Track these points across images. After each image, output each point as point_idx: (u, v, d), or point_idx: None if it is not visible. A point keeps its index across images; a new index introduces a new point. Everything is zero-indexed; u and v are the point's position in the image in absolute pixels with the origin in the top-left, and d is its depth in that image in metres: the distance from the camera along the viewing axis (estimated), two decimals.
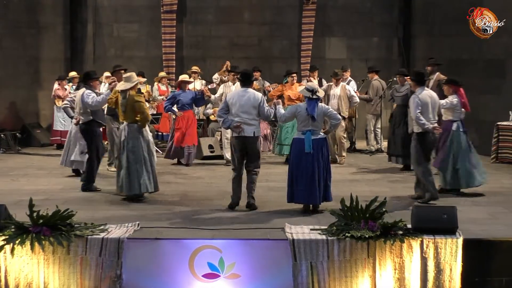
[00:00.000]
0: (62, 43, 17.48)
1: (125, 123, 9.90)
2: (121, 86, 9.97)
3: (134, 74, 10.28)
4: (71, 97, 11.90)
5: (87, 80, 10.73)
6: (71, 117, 11.63)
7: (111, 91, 10.38)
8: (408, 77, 11.81)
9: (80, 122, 10.69)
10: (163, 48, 17.42)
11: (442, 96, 10.56)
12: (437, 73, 12.06)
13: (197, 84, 15.35)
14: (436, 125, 9.70)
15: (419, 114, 9.53)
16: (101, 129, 10.98)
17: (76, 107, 10.83)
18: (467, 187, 10.31)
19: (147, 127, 10.09)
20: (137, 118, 9.77)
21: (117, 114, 11.24)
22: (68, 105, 11.76)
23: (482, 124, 14.71)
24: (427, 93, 9.79)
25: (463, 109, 10.44)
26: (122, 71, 11.70)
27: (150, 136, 10.22)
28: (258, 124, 9.45)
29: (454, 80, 10.58)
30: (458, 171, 10.21)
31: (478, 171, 10.32)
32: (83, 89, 10.64)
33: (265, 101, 9.44)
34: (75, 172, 11.70)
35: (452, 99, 10.28)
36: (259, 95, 9.42)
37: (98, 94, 10.63)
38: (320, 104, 9.14)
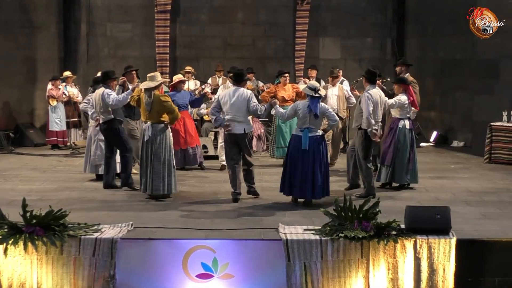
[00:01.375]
0: (55, 42, 17.44)
1: (149, 123, 9.87)
2: (145, 84, 9.95)
3: (158, 73, 10.32)
4: (87, 99, 11.85)
5: (106, 80, 10.70)
6: (91, 116, 11.58)
7: (132, 91, 10.34)
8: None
9: (101, 122, 10.66)
10: (157, 48, 17.39)
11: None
12: (407, 74, 11.71)
13: (191, 84, 15.30)
14: (376, 132, 9.87)
15: (371, 112, 9.78)
16: (122, 125, 10.88)
17: (96, 107, 10.75)
18: (396, 182, 10.60)
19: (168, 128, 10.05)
20: (162, 118, 9.75)
21: (132, 115, 11.26)
22: (87, 106, 11.73)
23: (475, 125, 14.75)
24: (377, 92, 10.05)
25: (413, 108, 10.70)
26: (134, 72, 11.71)
27: (171, 136, 10.12)
28: (249, 121, 9.85)
29: (403, 79, 10.95)
30: (395, 166, 10.51)
31: (411, 171, 10.59)
32: (102, 89, 10.59)
33: (253, 97, 9.81)
34: (98, 177, 11.27)
35: (400, 97, 10.52)
36: (248, 91, 9.80)
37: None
38: (321, 103, 9.37)
